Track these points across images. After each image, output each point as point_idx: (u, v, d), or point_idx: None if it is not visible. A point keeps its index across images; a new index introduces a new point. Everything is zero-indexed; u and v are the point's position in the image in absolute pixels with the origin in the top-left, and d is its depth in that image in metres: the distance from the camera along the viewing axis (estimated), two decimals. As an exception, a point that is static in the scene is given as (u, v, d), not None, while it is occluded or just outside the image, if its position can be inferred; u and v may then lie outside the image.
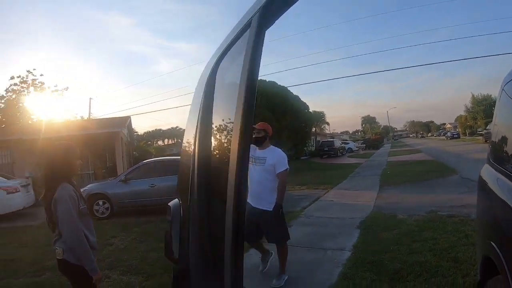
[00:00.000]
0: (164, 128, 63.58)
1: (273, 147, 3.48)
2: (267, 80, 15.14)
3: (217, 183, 0.95)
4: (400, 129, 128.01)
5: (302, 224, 6.15)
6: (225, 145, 1.01)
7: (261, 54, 0.78)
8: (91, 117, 23.46)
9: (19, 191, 8.80)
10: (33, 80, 27.23)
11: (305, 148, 24.41)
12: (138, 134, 28.36)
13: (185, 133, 1.32)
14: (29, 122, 18.14)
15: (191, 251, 0.95)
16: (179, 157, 1.72)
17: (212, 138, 1.11)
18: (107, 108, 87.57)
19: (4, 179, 9.27)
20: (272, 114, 13.13)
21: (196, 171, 1.02)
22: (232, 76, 1.04)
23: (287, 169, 3.35)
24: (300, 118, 14.97)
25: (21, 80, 26.72)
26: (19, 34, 62.20)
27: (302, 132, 17.81)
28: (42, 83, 27.37)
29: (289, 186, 8.75)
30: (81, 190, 8.26)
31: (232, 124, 0.89)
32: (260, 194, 3.33)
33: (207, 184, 1.01)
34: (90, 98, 25.35)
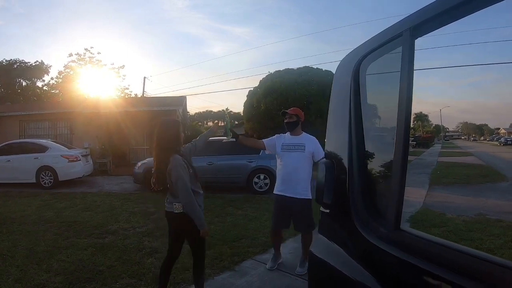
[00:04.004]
0: (215, 110, 64.67)
1: (308, 134, 3.40)
2: (323, 69, 14.41)
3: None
4: (452, 129, 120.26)
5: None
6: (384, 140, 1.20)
7: (413, 64, 0.90)
8: (144, 95, 24.25)
9: (79, 160, 9.32)
10: (90, 57, 28.67)
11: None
12: (190, 115, 29.04)
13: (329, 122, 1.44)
14: (85, 97, 19.13)
15: (353, 195, 1.11)
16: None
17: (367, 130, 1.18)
18: (160, 88, 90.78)
19: (66, 148, 9.77)
20: (326, 104, 12.60)
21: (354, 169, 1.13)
22: (385, 78, 1.24)
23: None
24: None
25: (79, 58, 28.32)
26: (77, 13, 65.77)
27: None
28: (100, 61, 28.69)
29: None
30: (139, 163, 8.31)
31: (384, 121, 1.19)
32: (295, 182, 3.24)
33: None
34: (145, 77, 26.27)
